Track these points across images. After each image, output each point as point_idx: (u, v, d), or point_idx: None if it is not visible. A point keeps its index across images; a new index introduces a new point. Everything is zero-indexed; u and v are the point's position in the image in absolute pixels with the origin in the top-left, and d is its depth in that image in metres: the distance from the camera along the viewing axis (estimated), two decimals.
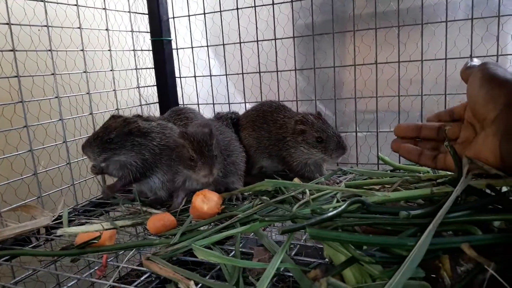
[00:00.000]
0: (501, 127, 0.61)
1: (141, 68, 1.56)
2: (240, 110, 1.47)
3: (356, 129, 1.35)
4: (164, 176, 1.13)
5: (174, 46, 1.60)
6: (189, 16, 1.54)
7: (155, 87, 1.62)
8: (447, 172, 0.81)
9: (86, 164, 1.27)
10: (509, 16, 1.14)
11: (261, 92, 1.46)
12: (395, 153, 0.85)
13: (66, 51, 1.24)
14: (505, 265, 0.51)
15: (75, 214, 1.12)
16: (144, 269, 0.71)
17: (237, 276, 0.64)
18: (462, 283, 0.51)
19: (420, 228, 0.58)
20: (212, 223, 0.88)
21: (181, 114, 1.36)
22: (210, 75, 1.56)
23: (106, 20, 1.36)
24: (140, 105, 1.54)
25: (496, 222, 0.59)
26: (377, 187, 0.88)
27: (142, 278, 0.72)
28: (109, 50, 1.37)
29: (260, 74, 1.45)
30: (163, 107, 1.59)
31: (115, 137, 1.05)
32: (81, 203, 1.21)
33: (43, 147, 1.14)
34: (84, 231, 0.91)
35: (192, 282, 0.63)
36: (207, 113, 1.59)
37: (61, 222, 0.99)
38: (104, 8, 1.35)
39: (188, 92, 1.64)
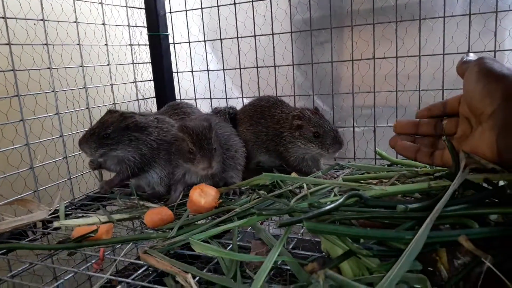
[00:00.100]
0: (498, 121, 0.61)
1: (138, 63, 1.56)
2: (238, 105, 1.46)
3: (353, 124, 1.35)
4: (162, 171, 1.12)
5: (171, 40, 1.59)
6: (186, 10, 1.53)
7: (152, 82, 1.61)
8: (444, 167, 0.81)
9: (82, 158, 1.27)
10: (506, 11, 1.14)
11: (258, 87, 1.46)
12: (392, 148, 0.85)
13: (62, 45, 1.24)
14: (502, 258, 0.51)
15: (71, 208, 1.11)
16: (141, 262, 0.71)
17: (235, 269, 0.64)
18: (459, 276, 0.51)
19: (417, 221, 0.58)
20: (209, 217, 0.88)
21: (177, 108, 1.35)
22: (208, 70, 1.56)
23: (103, 14, 1.35)
24: (137, 100, 1.53)
25: (493, 216, 0.60)
26: (374, 181, 0.88)
27: (139, 272, 0.72)
28: (105, 45, 1.36)
29: (257, 69, 1.44)
30: (160, 102, 1.59)
31: (112, 132, 1.05)
32: (78, 197, 1.21)
33: (40, 141, 1.13)
34: (81, 223, 0.91)
35: (189, 275, 0.63)
36: (204, 108, 1.59)
37: (58, 216, 0.99)
38: (100, 2, 1.34)
39: (186, 87, 1.63)
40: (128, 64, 1.50)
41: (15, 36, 1.06)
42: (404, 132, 0.84)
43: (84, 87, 1.26)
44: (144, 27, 1.57)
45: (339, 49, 1.44)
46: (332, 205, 0.62)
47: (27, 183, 1.10)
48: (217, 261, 0.69)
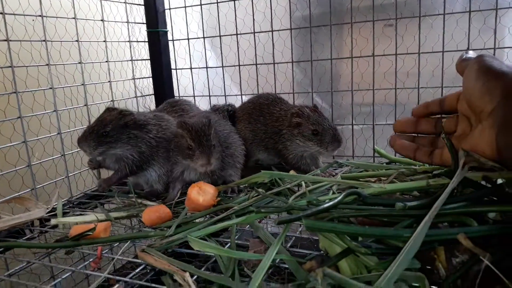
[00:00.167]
0: (498, 119, 0.61)
1: (137, 60, 1.55)
2: (237, 102, 1.46)
3: (352, 122, 1.35)
4: (161, 169, 1.12)
5: (170, 37, 1.59)
6: (185, 7, 1.52)
7: (151, 79, 1.61)
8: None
9: (80, 156, 1.26)
10: (506, 9, 1.14)
11: (257, 84, 1.46)
12: (392, 148, 0.85)
13: (60, 41, 1.23)
14: (500, 256, 0.51)
15: (69, 206, 1.11)
16: (139, 261, 0.71)
17: (233, 267, 0.64)
18: (457, 274, 0.51)
19: (416, 219, 0.58)
20: (207, 215, 0.88)
21: (176, 106, 1.35)
22: (206, 67, 1.56)
23: (102, 11, 1.35)
24: (135, 97, 1.53)
25: (491, 214, 0.59)
26: (373, 179, 0.88)
27: (137, 270, 0.71)
28: (104, 41, 1.36)
29: (256, 66, 1.44)
30: (159, 99, 1.58)
31: (110, 130, 1.04)
32: (76, 195, 1.20)
33: (37, 139, 1.13)
34: (79, 221, 0.91)
35: (187, 274, 0.63)
36: (203, 105, 1.58)
37: (56, 215, 0.99)
38: None
39: (184, 84, 1.63)
40: (127, 61, 1.50)
41: (14, 32, 1.05)
42: (404, 130, 0.84)
43: (82, 84, 1.26)
44: (143, 23, 1.56)
45: (338, 46, 1.44)
46: (331, 203, 0.62)
47: (25, 181, 1.09)
48: (215, 259, 0.69)
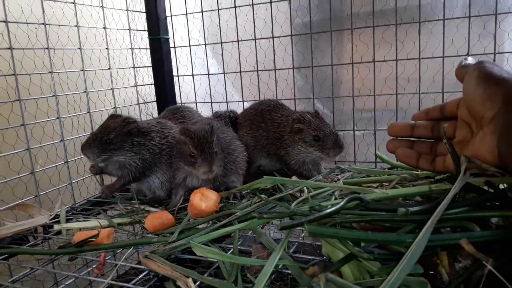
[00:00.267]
0: (499, 125, 0.61)
1: (139, 67, 1.56)
2: (238, 108, 1.47)
3: (353, 128, 1.35)
4: (164, 176, 1.12)
5: (171, 44, 1.60)
6: (186, 14, 1.53)
7: (153, 86, 1.62)
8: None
9: (83, 162, 1.27)
10: (506, 14, 1.14)
11: (259, 90, 1.46)
12: (390, 153, 0.85)
13: (63, 49, 1.24)
14: (503, 261, 0.51)
15: (72, 213, 1.11)
16: (142, 267, 0.71)
17: (236, 273, 0.64)
18: (460, 279, 0.51)
19: (418, 224, 0.58)
20: (210, 221, 0.88)
21: (177, 113, 1.35)
22: (208, 74, 1.56)
23: (104, 18, 1.36)
24: (137, 104, 1.54)
25: (494, 219, 0.59)
26: (375, 184, 0.88)
27: (140, 276, 0.71)
28: (106, 49, 1.37)
29: (258, 73, 1.45)
30: (161, 106, 1.59)
31: (114, 138, 1.05)
32: (79, 202, 1.21)
33: (41, 146, 1.13)
34: (82, 226, 0.91)
35: (190, 280, 0.63)
36: (205, 111, 1.59)
37: (59, 221, 0.99)
38: (101, 6, 1.35)
39: (186, 91, 1.64)
40: (129, 68, 1.50)
41: (17, 40, 1.06)
42: (399, 134, 0.84)
43: (85, 91, 1.26)
44: (145, 30, 1.57)
45: (339, 52, 1.44)
46: (333, 209, 0.62)
47: (28, 187, 1.10)
48: (218, 265, 0.69)
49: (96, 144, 1.03)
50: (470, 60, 0.72)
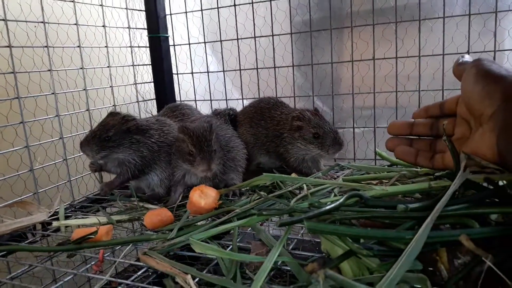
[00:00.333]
0: (499, 123, 0.61)
1: (138, 65, 1.56)
2: (238, 106, 1.46)
3: (353, 125, 1.35)
4: (163, 173, 1.12)
5: (171, 42, 1.59)
6: (186, 12, 1.53)
7: (152, 84, 1.61)
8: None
9: (82, 160, 1.27)
10: (506, 11, 1.14)
11: (258, 88, 1.46)
12: (389, 151, 0.85)
13: (62, 47, 1.24)
14: (503, 258, 0.51)
15: (71, 210, 1.11)
16: (141, 264, 0.71)
17: (235, 270, 0.64)
18: (459, 276, 0.51)
19: (417, 221, 0.58)
20: (209, 218, 0.88)
21: (176, 110, 1.35)
22: (208, 72, 1.56)
23: (103, 17, 1.35)
24: (137, 102, 1.53)
25: (493, 215, 0.59)
26: (374, 182, 0.88)
27: (139, 273, 0.71)
28: (106, 47, 1.36)
29: (257, 71, 1.44)
30: (160, 104, 1.59)
31: (113, 135, 1.05)
32: (78, 199, 1.21)
33: (40, 143, 1.13)
34: (80, 223, 0.91)
35: (189, 276, 0.63)
36: (204, 109, 1.59)
37: (58, 218, 0.99)
38: (101, 5, 1.34)
39: (186, 89, 1.63)
40: (128, 66, 1.50)
41: (16, 38, 1.06)
42: (399, 133, 0.84)
43: (84, 89, 1.26)
44: (144, 29, 1.57)
45: (339, 50, 1.44)
46: (332, 205, 0.62)
47: (27, 185, 1.10)
48: (216, 262, 0.69)
49: (95, 141, 1.03)
50: (467, 57, 0.72)
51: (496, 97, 0.61)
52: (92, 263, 0.76)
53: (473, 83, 0.65)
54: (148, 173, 1.12)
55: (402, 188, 0.76)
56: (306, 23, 1.39)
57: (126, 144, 1.06)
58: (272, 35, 1.39)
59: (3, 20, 1.02)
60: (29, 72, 1.11)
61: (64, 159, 1.19)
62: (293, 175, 1.09)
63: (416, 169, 0.89)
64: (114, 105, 1.39)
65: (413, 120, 0.83)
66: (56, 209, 1.04)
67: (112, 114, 1.10)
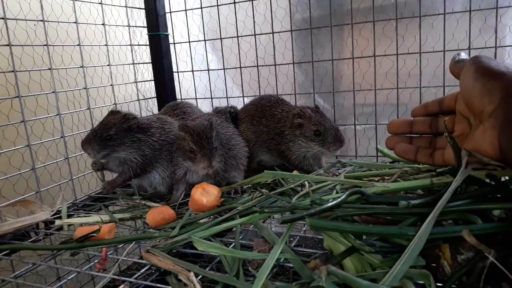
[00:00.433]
0: (500, 119, 0.61)
1: (139, 63, 1.56)
2: (238, 104, 1.46)
3: (354, 122, 1.35)
4: (164, 172, 1.12)
5: (171, 40, 1.59)
6: (186, 10, 1.53)
7: (153, 82, 1.61)
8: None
9: (84, 159, 1.27)
10: (507, 7, 1.14)
11: (259, 86, 1.46)
12: (390, 149, 0.85)
13: (62, 45, 1.24)
14: (505, 253, 0.51)
15: (74, 209, 1.11)
16: (144, 261, 0.71)
17: (237, 267, 0.64)
18: (462, 271, 0.51)
19: (420, 217, 0.58)
20: (211, 216, 0.88)
21: (177, 109, 1.35)
22: (208, 70, 1.56)
23: (103, 15, 1.35)
24: (137, 100, 1.53)
25: (496, 211, 0.59)
26: (376, 178, 0.88)
27: (142, 271, 0.72)
28: (106, 45, 1.36)
29: (258, 68, 1.44)
30: (161, 102, 1.59)
31: (114, 134, 1.05)
32: (80, 198, 1.21)
33: (41, 142, 1.13)
34: (83, 221, 0.91)
35: (192, 274, 0.63)
36: (205, 107, 1.59)
37: (60, 217, 0.99)
38: (100, 3, 1.34)
39: (186, 87, 1.63)
40: (129, 64, 1.50)
41: (16, 37, 1.06)
42: (399, 131, 0.84)
43: (84, 88, 1.26)
44: (144, 27, 1.57)
45: (339, 47, 1.44)
46: (334, 202, 0.62)
47: (29, 184, 1.10)
48: (219, 259, 0.69)
49: (96, 140, 1.03)
50: (463, 55, 0.72)
51: (497, 94, 0.61)
52: (95, 261, 0.77)
53: (472, 80, 0.65)
54: (150, 172, 1.12)
55: (404, 184, 0.76)
56: (306, 20, 1.38)
57: (128, 142, 1.06)
58: (272, 33, 1.39)
59: (2, 18, 1.02)
60: (30, 70, 1.11)
61: (66, 158, 1.19)
62: (295, 172, 1.09)
63: (418, 166, 0.89)
64: (115, 104, 1.39)
65: (412, 118, 0.83)
66: (59, 207, 1.04)
67: (113, 113, 1.10)
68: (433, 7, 1.26)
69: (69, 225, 0.95)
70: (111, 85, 1.38)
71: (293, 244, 0.74)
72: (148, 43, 1.58)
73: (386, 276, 0.47)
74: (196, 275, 0.63)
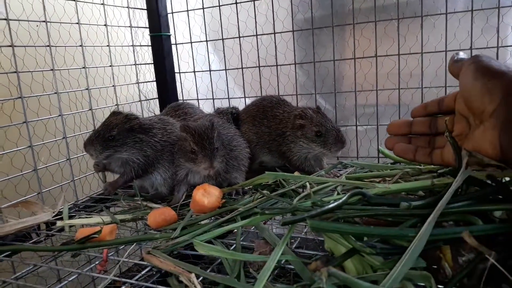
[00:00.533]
0: (501, 119, 0.60)
1: (140, 64, 1.56)
2: (240, 105, 1.46)
3: (356, 123, 1.35)
4: (166, 173, 1.12)
5: (173, 41, 1.59)
6: (187, 11, 1.53)
7: (155, 83, 1.61)
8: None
9: (86, 160, 1.27)
10: (509, 7, 1.13)
11: (260, 86, 1.46)
12: (389, 150, 0.85)
13: (65, 46, 1.24)
14: (506, 255, 0.51)
15: (75, 210, 1.12)
16: (145, 263, 0.71)
17: (238, 269, 0.64)
18: (463, 273, 0.51)
19: (420, 219, 0.58)
20: (212, 217, 0.88)
21: (179, 110, 1.35)
22: (210, 70, 1.56)
23: (105, 16, 1.35)
24: (139, 101, 1.54)
25: (497, 212, 0.59)
26: (377, 179, 0.88)
27: (143, 272, 0.72)
28: (108, 46, 1.37)
29: (259, 69, 1.44)
30: (163, 103, 1.59)
31: (116, 134, 1.05)
32: (82, 199, 1.21)
33: (43, 143, 1.13)
34: (84, 222, 0.91)
35: (193, 275, 0.63)
36: (207, 108, 1.59)
37: (62, 218, 0.99)
38: (102, 4, 1.34)
39: (188, 88, 1.63)
40: (131, 65, 1.50)
41: (18, 38, 1.06)
42: (398, 132, 0.84)
43: (87, 89, 1.26)
44: (146, 28, 1.57)
45: (341, 47, 1.44)
46: (335, 204, 0.62)
47: (31, 185, 1.10)
48: (220, 261, 0.69)
49: (98, 141, 1.04)
50: (462, 54, 0.72)
51: (497, 93, 0.61)
52: (96, 262, 0.77)
53: (472, 79, 0.65)
54: (152, 173, 1.12)
55: (405, 185, 0.76)
56: (308, 20, 1.38)
57: (130, 143, 1.07)
58: (274, 33, 1.38)
59: (5, 19, 1.02)
60: (32, 71, 1.11)
61: (68, 159, 1.20)
62: (296, 173, 1.09)
63: (419, 167, 0.89)
64: (117, 104, 1.39)
65: (411, 119, 0.83)
66: (60, 209, 1.05)
67: (115, 113, 1.10)
68: (435, 7, 1.26)
69: (70, 226, 0.95)
70: (113, 86, 1.38)
71: (294, 246, 0.74)
72: (150, 44, 1.58)
73: (386, 278, 0.47)
74: (197, 277, 0.63)
